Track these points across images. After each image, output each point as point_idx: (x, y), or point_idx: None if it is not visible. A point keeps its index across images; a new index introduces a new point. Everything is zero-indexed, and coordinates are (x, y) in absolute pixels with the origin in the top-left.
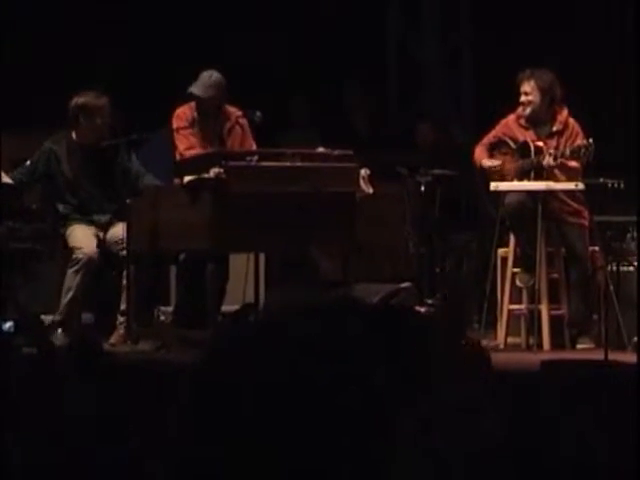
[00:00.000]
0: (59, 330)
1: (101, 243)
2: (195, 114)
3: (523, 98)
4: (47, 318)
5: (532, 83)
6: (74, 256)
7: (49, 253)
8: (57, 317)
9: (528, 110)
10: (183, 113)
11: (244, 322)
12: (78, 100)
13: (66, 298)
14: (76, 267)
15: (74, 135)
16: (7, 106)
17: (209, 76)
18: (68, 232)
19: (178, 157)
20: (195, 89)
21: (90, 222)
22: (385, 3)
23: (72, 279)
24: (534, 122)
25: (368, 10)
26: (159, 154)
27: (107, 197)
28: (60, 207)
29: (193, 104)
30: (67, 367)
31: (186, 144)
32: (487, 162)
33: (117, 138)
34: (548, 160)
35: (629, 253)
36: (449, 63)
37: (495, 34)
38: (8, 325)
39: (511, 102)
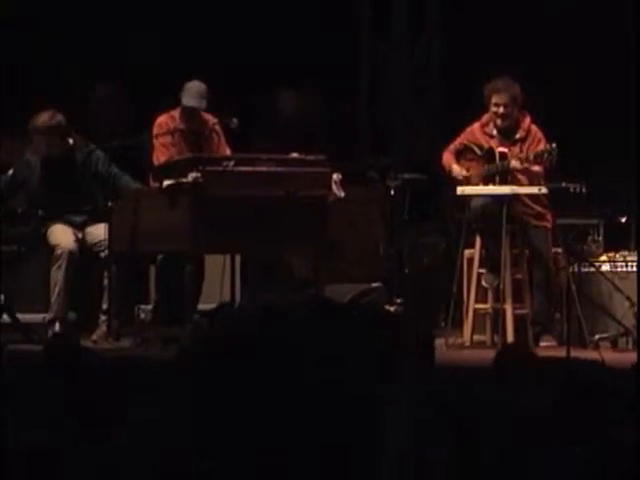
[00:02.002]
0: (56, 325)
1: (79, 242)
2: (176, 122)
3: (502, 110)
4: (36, 317)
5: (506, 95)
6: (55, 253)
7: (33, 254)
8: (50, 314)
9: (507, 122)
10: (164, 122)
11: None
12: (31, 123)
13: (54, 295)
14: (58, 263)
15: (44, 147)
16: (6, 108)
17: (198, 86)
18: (48, 232)
19: (156, 163)
20: (192, 102)
21: (67, 222)
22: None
23: (56, 275)
24: (499, 129)
25: (339, 16)
26: None
27: (80, 200)
28: (39, 211)
29: (174, 113)
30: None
31: (166, 155)
32: (456, 169)
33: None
34: (514, 163)
35: (590, 254)
36: (418, 66)
37: (463, 38)
38: None
39: (479, 105)
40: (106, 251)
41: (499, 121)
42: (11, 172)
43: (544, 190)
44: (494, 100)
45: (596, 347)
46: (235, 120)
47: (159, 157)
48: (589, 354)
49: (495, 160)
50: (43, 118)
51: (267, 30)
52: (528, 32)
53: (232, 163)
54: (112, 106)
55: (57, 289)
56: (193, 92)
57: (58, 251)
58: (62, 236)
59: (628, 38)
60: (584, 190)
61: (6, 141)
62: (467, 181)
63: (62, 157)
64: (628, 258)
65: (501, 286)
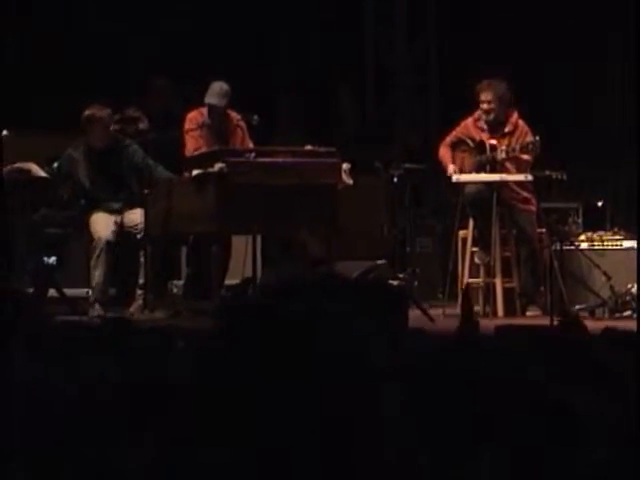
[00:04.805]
0: (96, 305)
1: (118, 226)
2: (204, 118)
3: (486, 106)
4: (79, 291)
5: (491, 93)
6: (94, 244)
7: (78, 236)
8: (92, 297)
9: (491, 116)
10: (194, 117)
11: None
12: (85, 113)
13: (94, 280)
14: (97, 252)
15: (89, 138)
16: (45, 108)
17: (220, 87)
18: (90, 220)
19: (187, 154)
20: (212, 100)
21: (106, 209)
22: (362, 15)
23: (96, 263)
24: (489, 124)
25: (346, 20)
26: None
27: (118, 189)
28: (82, 201)
29: (203, 109)
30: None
31: (195, 145)
32: (451, 169)
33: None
34: (500, 155)
35: (570, 234)
36: (417, 67)
37: (458, 41)
38: (52, 259)
39: (473, 103)
40: (142, 233)
41: (485, 115)
42: (56, 165)
43: (529, 177)
44: (481, 97)
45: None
46: (256, 117)
47: (189, 149)
48: None
49: (486, 151)
50: (94, 110)
51: (284, 35)
52: (517, 33)
53: (253, 155)
54: (167, 96)
55: (97, 276)
56: (215, 91)
57: (97, 242)
58: (101, 226)
59: (610, 43)
60: (565, 177)
61: (50, 138)
62: (461, 170)
63: (104, 149)
64: (604, 237)
65: (492, 263)
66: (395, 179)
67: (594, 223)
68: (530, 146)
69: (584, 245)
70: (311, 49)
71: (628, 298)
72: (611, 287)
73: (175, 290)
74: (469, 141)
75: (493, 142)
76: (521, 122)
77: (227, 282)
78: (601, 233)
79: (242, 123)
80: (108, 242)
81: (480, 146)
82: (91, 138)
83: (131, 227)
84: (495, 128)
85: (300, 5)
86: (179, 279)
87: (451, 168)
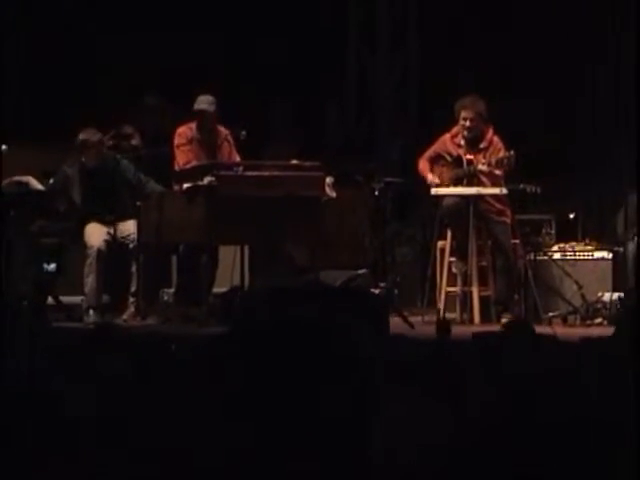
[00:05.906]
0: (90, 311)
1: (111, 237)
2: (193, 132)
3: (468, 124)
4: (76, 299)
5: (472, 111)
6: (87, 252)
7: (73, 246)
8: (85, 304)
9: (472, 133)
10: (183, 132)
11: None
12: (79, 137)
13: (87, 287)
14: (89, 261)
15: (83, 159)
16: (42, 121)
17: (207, 97)
18: (84, 230)
19: (177, 168)
20: (202, 106)
21: (100, 220)
22: (345, 30)
23: (88, 271)
24: (467, 140)
25: (330, 35)
26: None
27: (111, 202)
28: (77, 213)
29: (192, 125)
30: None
31: (185, 159)
32: (430, 177)
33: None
34: (482, 167)
35: (544, 245)
36: (398, 82)
37: (438, 57)
38: (52, 266)
39: (451, 119)
40: (134, 243)
41: (466, 132)
42: (51, 181)
43: (504, 191)
44: (462, 115)
45: (549, 323)
46: (244, 132)
47: (180, 163)
48: (543, 329)
49: (463, 166)
50: (88, 135)
51: (270, 51)
52: (494, 48)
53: (241, 168)
54: (158, 114)
55: (89, 284)
56: (202, 100)
57: (89, 250)
58: (94, 236)
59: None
60: (538, 191)
61: (48, 153)
62: (439, 183)
63: (97, 167)
64: (576, 248)
65: (468, 272)
66: (376, 192)
67: (566, 234)
68: (505, 160)
69: (557, 255)
70: (297, 63)
71: (599, 306)
72: (582, 295)
73: (166, 298)
74: (447, 156)
75: (470, 157)
76: (496, 138)
77: (215, 290)
78: (573, 244)
79: (230, 138)
80: (100, 251)
81: (457, 161)
82: (85, 159)
83: (124, 237)
84: (472, 144)
85: (284, 21)
86: (170, 287)
87: (430, 177)
